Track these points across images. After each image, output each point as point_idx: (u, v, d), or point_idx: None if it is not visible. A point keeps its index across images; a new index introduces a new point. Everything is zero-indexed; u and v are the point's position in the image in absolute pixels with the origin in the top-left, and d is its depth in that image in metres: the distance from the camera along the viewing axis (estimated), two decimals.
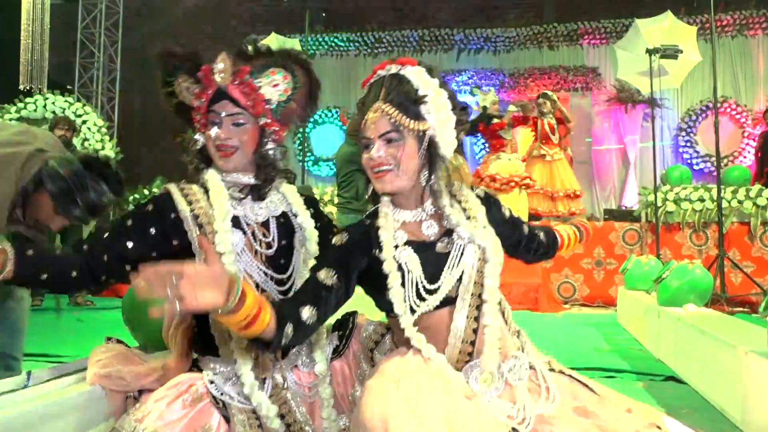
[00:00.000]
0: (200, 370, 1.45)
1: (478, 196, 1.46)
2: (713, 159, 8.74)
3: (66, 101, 6.91)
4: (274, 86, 1.46)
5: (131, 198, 7.51)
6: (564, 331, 4.54)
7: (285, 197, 1.54)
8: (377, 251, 1.31)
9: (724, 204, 6.09)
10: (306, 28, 7.65)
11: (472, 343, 1.30)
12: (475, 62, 10.15)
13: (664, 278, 3.64)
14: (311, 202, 1.60)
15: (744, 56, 9.41)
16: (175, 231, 1.39)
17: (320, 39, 10.29)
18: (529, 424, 1.23)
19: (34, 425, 1.34)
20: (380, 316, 1.47)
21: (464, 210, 1.39)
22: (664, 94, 8.44)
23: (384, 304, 1.32)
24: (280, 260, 1.47)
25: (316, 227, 1.54)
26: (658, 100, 8.07)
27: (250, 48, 1.48)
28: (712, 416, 2.41)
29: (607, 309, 6.02)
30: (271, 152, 1.47)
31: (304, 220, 1.51)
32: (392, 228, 1.33)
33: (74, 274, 1.33)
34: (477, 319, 1.31)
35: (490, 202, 1.48)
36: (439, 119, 1.32)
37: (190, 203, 1.41)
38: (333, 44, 10.40)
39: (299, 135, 9.15)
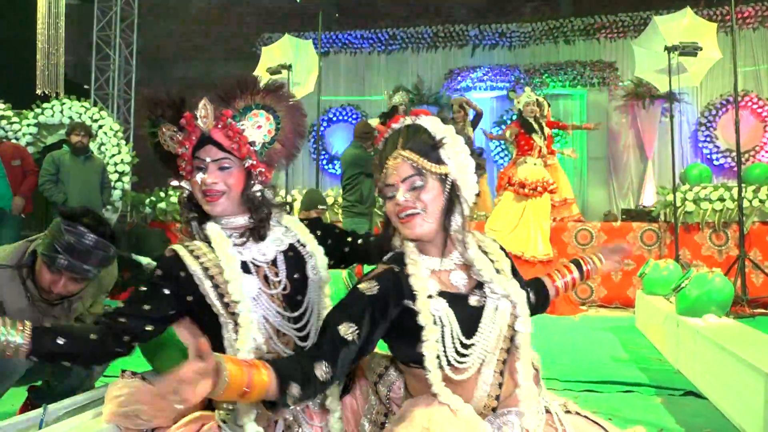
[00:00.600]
0: (213, 408, 1.45)
1: (499, 247, 1.46)
2: (734, 154, 8.58)
3: (83, 106, 6.95)
4: (258, 128, 1.47)
5: (147, 201, 7.58)
6: (581, 337, 4.49)
7: (289, 229, 1.54)
8: (410, 301, 1.27)
9: (745, 203, 5.98)
10: (319, 25, 7.60)
11: (497, 397, 1.31)
12: (490, 58, 10.03)
13: (684, 287, 3.58)
14: (315, 225, 1.60)
15: (766, 49, 9.20)
16: (187, 288, 1.40)
17: (333, 36, 10.24)
18: None
19: None
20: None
21: (492, 262, 1.38)
22: (683, 89, 8.28)
23: (409, 355, 1.29)
24: (296, 297, 1.47)
25: (328, 244, 1.56)
26: (677, 95, 7.93)
27: (231, 88, 1.49)
28: None
29: (625, 311, 5.95)
30: (258, 193, 1.47)
31: (313, 248, 1.52)
32: (424, 276, 1.30)
33: (93, 336, 1.34)
34: (502, 373, 1.32)
35: (507, 255, 1.47)
36: (458, 163, 1.33)
37: (197, 258, 1.42)
38: (346, 41, 10.35)
39: (314, 133, 9.13)
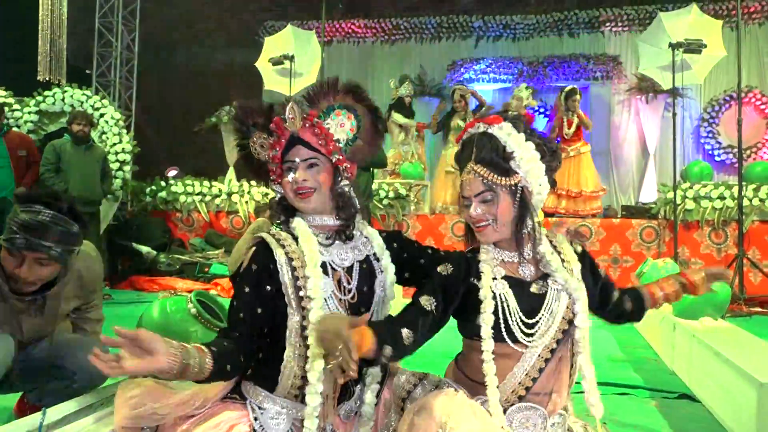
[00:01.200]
0: (241, 396, 1.48)
1: (575, 252, 1.53)
2: (735, 150, 8.57)
3: (84, 94, 6.94)
4: (341, 126, 1.55)
5: (148, 190, 7.59)
6: None
7: (369, 241, 1.59)
8: (475, 279, 1.43)
9: (745, 202, 5.99)
10: (322, 14, 7.57)
11: (527, 389, 1.39)
12: (494, 50, 9.99)
13: None
14: (393, 238, 1.64)
15: None
16: (272, 278, 1.45)
17: (337, 25, 10.19)
18: None
19: None
20: (415, 365, 1.55)
21: (562, 260, 1.48)
22: (686, 86, 8.25)
23: (471, 328, 1.42)
24: (360, 308, 1.51)
25: (404, 257, 1.61)
26: (680, 90, 7.91)
27: (315, 90, 1.58)
28: None
29: None
30: (346, 188, 1.53)
31: (387, 264, 1.56)
32: (492, 262, 1.45)
33: (242, 359, 1.42)
34: (545, 364, 1.40)
35: (585, 259, 1.54)
36: (528, 170, 1.43)
37: (283, 246, 1.47)
38: (350, 31, 10.30)
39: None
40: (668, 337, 3.66)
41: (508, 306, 1.39)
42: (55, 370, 2.10)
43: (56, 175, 5.74)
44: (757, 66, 9.10)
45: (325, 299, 1.44)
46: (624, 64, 9.39)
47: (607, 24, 9.61)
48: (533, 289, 1.44)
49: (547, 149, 1.46)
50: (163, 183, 7.59)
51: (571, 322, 1.42)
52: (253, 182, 7.51)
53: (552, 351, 1.40)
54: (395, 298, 1.58)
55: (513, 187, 1.42)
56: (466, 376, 1.47)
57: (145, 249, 6.94)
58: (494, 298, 1.40)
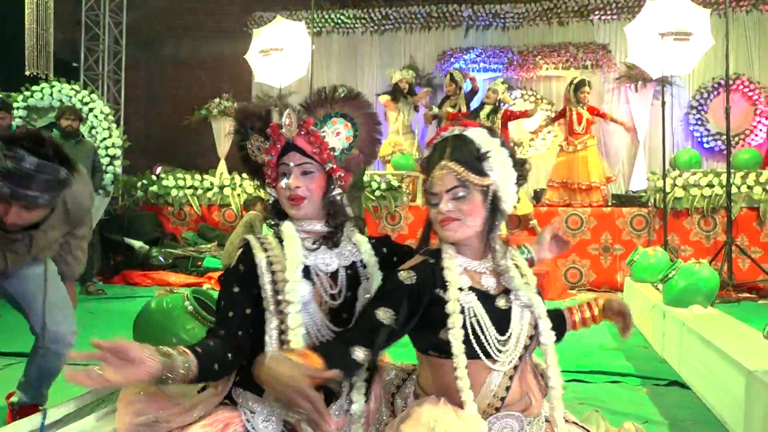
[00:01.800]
0: (233, 402, 1.48)
1: (528, 265, 1.52)
2: (724, 137, 8.63)
3: (72, 89, 6.89)
4: (337, 134, 1.55)
5: (139, 184, 7.56)
6: None
7: (357, 247, 1.59)
8: (441, 290, 1.36)
9: (734, 189, 6.05)
10: (312, 4, 7.53)
11: (502, 399, 1.37)
12: (483, 39, 9.95)
13: (671, 277, 3.66)
14: (383, 243, 1.63)
15: (759, 32, 9.17)
16: (256, 282, 1.45)
17: (326, 16, 10.13)
18: None
19: None
20: (402, 356, 1.53)
21: (522, 275, 1.45)
22: (675, 74, 8.29)
23: (431, 342, 1.37)
24: (342, 314, 1.51)
25: (393, 262, 1.58)
26: (669, 78, 7.94)
27: (314, 97, 1.57)
28: (715, 429, 2.45)
29: (613, 295, 6.04)
30: (338, 197, 1.54)
31: (373, 271, 1.56)
32: (457, 270, 1.39)
33: (230, 357, 1.40)
34: (512, 377, 1.38)
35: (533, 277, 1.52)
36: (501, 175, 1.39)
37: (265, 250, 1.47)
38: (339, 21, 10.23)
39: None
40: (658, 324, 3.72)
41: (477, 320, 1.35)
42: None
43: None
44: (745, 53, 9.13)
45: (305, 304, 1.44)
46: (613, 53, 9.40)
47: (596, 12, 9.61)
48: (499, 303, 1.40)
49: (518, 160, 1.44)
50: (154, 177, 7.57)
51: (531, 338, 1.41)
52: (244, 174, 7.49)
53: (515, 367, 1.39)
54: None
55: (485, 189, 1.38)
56: (428, 394, 1.42)
57: (137, 243, 6.92)
58: (462, 311, 1.35)
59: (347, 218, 1.57)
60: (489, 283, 1.42)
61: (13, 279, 2.24)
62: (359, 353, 1.26)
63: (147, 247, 6.97)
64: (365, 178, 6.41)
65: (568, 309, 1.66)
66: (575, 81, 7.44)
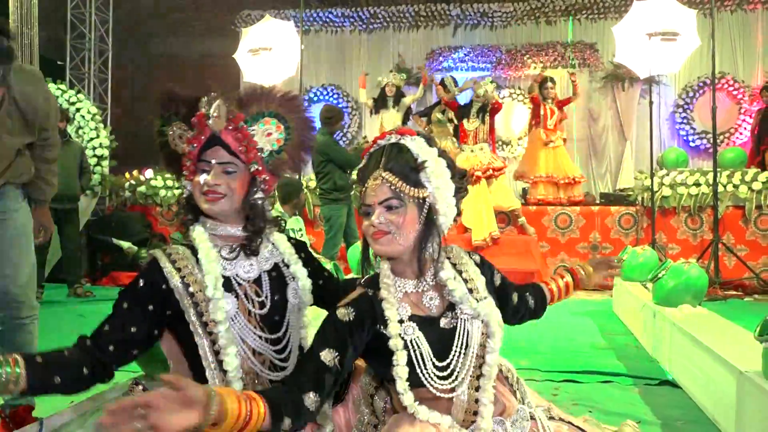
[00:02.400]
0: None
1: (475, 263, 1.47)
2: (709, 136, 8.73)
3: (59, 89, 6.81)
4: (267, 135, 1.47)
5: (127, 185, 7.49)
6: (560, 322, 4.60)
7: (276, 247, 1.53)
8: (381, 326, 1.31)
9: (720, 188, 6.12)
10: (301, 3, 7.49)
11: (475, 413, 1.35)
12: (471, 38, 10.00)
13: (660, 277, 3.69)
14: (300, 248, 1.58)
15: (743, 31, 9.30)
16: (168, 301, 1.38)
17: (314, 14, 10.10)
18: None
19: None
20: None
21: (465, 281, 1.40)
22: (661, 73, 8.37)
23: (385, 374, 1.34)
24: (274, 317, 1.46)
25: (309, 271, 1.54)
26: (656, 77, 8.03)
27: (248, 92, 1.50)
28: (706, 429, 2.47)
29: (602, 293, 6.09)
30: (259, 201, 1.46)
31: (297, 269, 1.51)
32: (395, 301, 1.33)
33: (86, 371, 1.30)
34: (478, 389, 1.35)
35: (485, 269, 1.48)
36: (438, 187, 1.34)
37: (179, 270, 1.39)
38: (328, 20, 10.22)
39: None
40: (649, 324, 3.76)
41: (421, 353, 1.30)
42: None
43: None
44: (730, 52, 9.24)
45: (232, 318, 1.38)
46: (600, 52, 9.48)
47: (584, 11, 9.67)
48: (443, 324, 1.35)
49: (457, 171, 1.39)
50: (142, 177, 7.50)
51: (485, 346, 1.37)
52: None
53: (479, 377, 1.36)
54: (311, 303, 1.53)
55: (421, 201, 1.32)
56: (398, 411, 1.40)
57: (125, 244, 6.86)
58: (405, 346, 1.29)
59: (267, 224, 1.49)
60: (431, 303, 1.37)
61: None
62: (309, 401, 1.20)
63: (136, 247, 6.91)
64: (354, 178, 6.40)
65: (544, 281, 1.70)
66: (539, 80, 7.55)
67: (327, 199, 5.61)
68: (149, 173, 7.77)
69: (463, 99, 7.50)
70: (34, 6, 7.21)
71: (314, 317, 1.52)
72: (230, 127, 1.41)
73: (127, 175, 7.49)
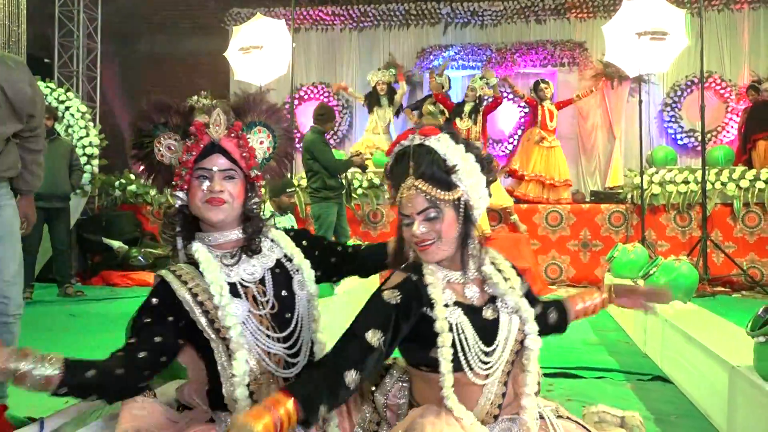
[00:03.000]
0: (213, 421, 1.48)
1: (510, 265, 1.50)
2: (697, 134, 8.82)
3: (48, 87, 6.75)
4: (260, 143, 1.53)
5: (117, 183, 7.45)
6: None
7: (276, 243, 1.55)
8: (428, 309, 1.34)
9: (708, 186, 6.19)
10: (292, 1, 7.48)
11: (500, 406, 1.39)
12: (462, 37, 10.01)
13: (652, 274, 3.74)
14: (301, 236, 1.61)
15: (730, 31, 9.39)
16: (181, 314, 1.40)
17: (305, 12, 10.07)
18: None
19: None
20: None
21: (505, 279, 1.43)
22: (650, 72, 8.44)
23: (422, 358, 1.36)
24: (284, 315, 1.48)
25: (315, 255, 1.57)
26: (644, 76, 8.10)
27: (243, 102, 1.53)
28: (699, 423, 2.51)
29: None
30: (255, 207, 1.50)
31: (300, 261, 1.53)
32: (441, 286, 1.36)
33: (119, 372, 1.31)
34: (506, 383, 1.40)
35: (519, 275, 1.50)
36: (470, 184, 1.37)
37: (185, 283, 1.41)
38: (318, 18, 10.19)
39: (288, 112, 9.06)
40: (640, 320, 3.80)
41: (465, 337, 1.33)
42: None
43: None
44: (717, 51, 9.33)
45: (243, 322, 1.41)
46: (590, 51, 9.53)
47: (573, 10, 9.72)
48: (486, 314, 1.39)
49: (485, 161, 1.41)
50: (132, 176, 7.46)
51: (522, 342, 1.41)
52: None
53: (509, 373, 1.40)
54: (320, 292, 1.55)
55: (457, 202, 1.35)
56: (418, 404, 1.42)
57: (116, 243, 6.83)
58: (451, 329, 1.32)
59: (263, 226, 1.52)
60: (473, 294, 1.40)
61: None
62: (350, 378, 1.22)
63: (126, 247, 6.89)
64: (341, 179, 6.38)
65: (570, 298, 1.69)
66: (534, 82, 7.71)
67: (317, 197, 5.60)
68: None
69: (455, 97, 7.55)
70: (21, 3, 7.14)
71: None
72: (231, 135, 1.45)
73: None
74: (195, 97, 8.56)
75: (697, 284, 3.71)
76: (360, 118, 9.85)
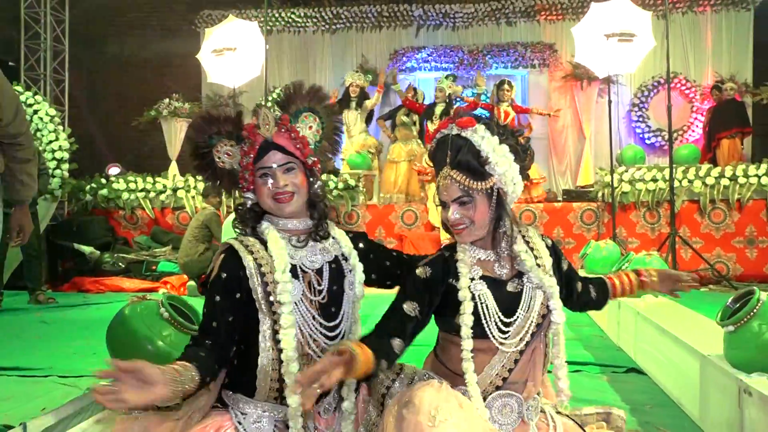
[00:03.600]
0: (224, 404, 1.50)
1: (546, 246, 1.58)
2: (664, 133, 9.05)
3: (15, 90, 6.60)
4: (309, 128, 1.60)
5: (87, 188, 7.33)
6: None
7: (337, 241, 1.61)
8: (454, 280, 1.47)
9: (675, 184, 6.35)
10: (265, 3, 7.46)
11: (504, 379, 1.46)
12: (434, 39, 10.10)
13: (624, 269, 3.83)
14: (360, 239, 1.67)
15: (693, 32, 9.66)
16: (242, 286, 1.46)
17: (277, 15, 10.04)
18: None
19: None
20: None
21: (535, 257, 1.52)
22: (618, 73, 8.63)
23: (450, 324, 1.48)
24: (331, 308, 1.54)
25: (370, 258, 1.64)
26: (613, 77, 8.28)
27: (286, 95, 1.60)
28: (672, 412, 2.59)
29: None
30: (319, 190, 1.58)
31: (355, 263, 1.59)
32: (470, 262, 1.49)
33: (216, 366, 1.45)
34: (517, 361, 1.47)
35: (556, 253, 1.60)
36: (503, 173, 1.46)
37: (251, 252, 1.48)
38: (290, 20, 10.17)
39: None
40: (613, 314, 3.89)
41: (486, 306, 1.45)
42: None
43: None
44: (681, 53, 9.58)
45: (296, 303, 1.47)
46: (560, 52, 9.70)
47: (542, 13, 9.89)
48: (510, 288, 1.49)
49: (521, 149, 1.50)
50: (103, 180, 7.35)
51: (545, 317, 1.49)
52: (198, 177, 7.37)
53: (527, 344, 1.47)
54: (364, 296, 1.62)
55: (489, 190, 1.46)
56: (447, 367, 1.52)
57: (87, 249, 6.71)
58: (473, 298, 1.45)
59: (328, 208, 1.60)
60: (502, 270, 1.51)
61: None
62: (397, 343, 1.39)
63: (98, 252, 6.77)
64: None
65: (608, 277, 1.79)
66: (497, 82, 7.83)
67: None
68: (114, 170, 7.63)
69: (429, 98, 7.64)
70: None
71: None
72: (282, 130, 1.52)
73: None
74: (167, 100, 8.49)
75: None
76: None
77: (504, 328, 1.45)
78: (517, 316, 1.47)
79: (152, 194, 7.40)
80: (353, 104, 8.23)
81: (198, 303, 1.82)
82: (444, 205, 1.49)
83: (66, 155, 6.72)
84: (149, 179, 7.49)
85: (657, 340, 2.98)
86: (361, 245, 1.64)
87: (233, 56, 6.61)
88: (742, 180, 6.51)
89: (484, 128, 1.46)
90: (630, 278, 1.79)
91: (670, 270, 1.85)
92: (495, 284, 1.48)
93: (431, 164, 1.58)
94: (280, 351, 1.43)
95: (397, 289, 1.57)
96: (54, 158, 6.58)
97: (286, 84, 1.66)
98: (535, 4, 9.81)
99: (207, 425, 1.44)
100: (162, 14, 10.55)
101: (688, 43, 9.67)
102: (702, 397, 2.39)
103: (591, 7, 6.51)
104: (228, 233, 4.63)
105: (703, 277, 6.19)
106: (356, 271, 1.58)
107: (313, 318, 1.50)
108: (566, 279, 1.63)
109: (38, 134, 6.56)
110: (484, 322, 1.44)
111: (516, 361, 1.46)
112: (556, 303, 1.49)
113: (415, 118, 8.00)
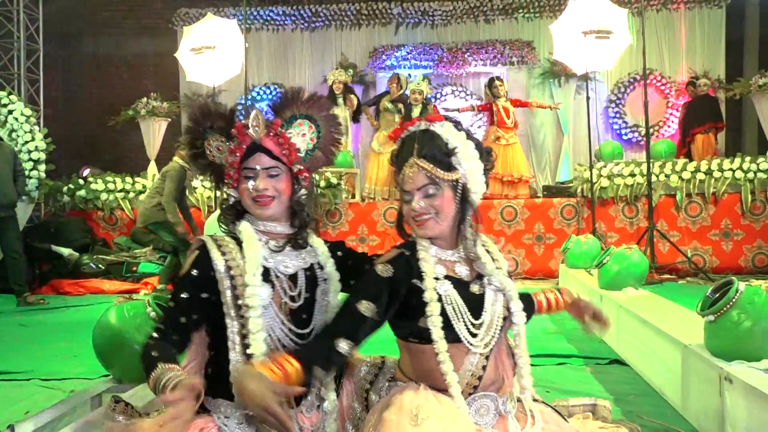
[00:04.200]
0: (206, 411, 1.48)
1: (498, 250, 1.59)
2: (640, 129, 9.20)
3: None
4: (302, 136, 1.59)
5: (65, 189, 7.21)
6: None
7: (314, 249, 1.60)
8: (417, 280, 1.42)
9: (652, 178, 6.46)
10: (243, 1, 7.40)
11: (480, 378, 1.46)
12: (413, 36, 10.12)
13: (605, 263, 3.89)
14: (338, 247, 1.67)
15: (668, 29, 9.81)
16: (210, 287, 1.45)
17: (255, 12, 9.98)
18: None
19: None
20: (372, 349, 1.57)
21: (493, 260, 1.52)
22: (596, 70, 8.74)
23: (410, 329, 1.44)
24: (302, 315, 1.52)
25: (348, 265, 1.63)
26: (590, 74, 8.38)
27: (281, 99, 1.61)
28: (655, 401, 2.65)
29: (548, 282, 6.34)
30: (303, 198, 1.57)
31: (330, 272, 1.59)
32: (432, 261, 1.45)
33: (174, 352, 1.43)
34: (488, 358, 1.46)
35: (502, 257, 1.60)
36: (469, 168, 1.47)
37: (223, 254, 1.47)
38: (269, 18, 10.11)
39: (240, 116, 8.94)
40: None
41: (454, 308, 1.42)
42: None
43: None
44: (656, 49, 9.72)
45: (265, 307, 1.45)
46: (538, 50, 9.79)
47: (521, 10, 9.96)
48: (473, 289, 1.48)
49: (484, 150, 1.51)
50: (81, 181, 7.24)
51: (505, 319, 1.50)
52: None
53: (491, 349, 1.47)
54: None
55: (455, 183, 1.45)
56: (414, 379, 1.48)
57: (66, 251, 6.61)
58: (439, 299, 1.41)
59: (310, 217, 1.59)
60: (462, 271, 1.49)
61: None
62: (344, 345, 1.34)
63: (77, 254, 6.67)
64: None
65: (535, 293, 1.77)
66: (488, 80, 7.83)
67: None
68: (87, 172, 7.51)
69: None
70: None
71: None
72: (270, 134, 1.51)
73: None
74: (144, 99, 8.39)
75: (647, 271, 3.89)
76: None
77: (474, 330, 1.43)
78: (484, 318, 1.46)
79: (131, 195, 7.32)
80: (339, 100, 8.21)
81: None
82: (407, 197, 1.46)
83: (42, 156, 6.61)
84: (128, 179, 7.40)
85: (639, 332, 3.04)
86: (339, 253, 1.64)
87: (213, 54, 6.55)
88: (717, 174, 6.64)
89: (452, 125, 1.49)
90: (556, 296, 1.78)
91: (584, 301, 1.80)
92: (460, 285, 1.46)
93: (393, 165, 1.53)
94: (249, 356, 1.42)
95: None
96: (30, 159, 6.47)
97: (285, 89, 1.67)
98: (513, 2, 9.88)
99: (189, 428, 1.43)
100: (138, 12, 10.42)
101: (663, 39, 9.82)
102: (684, 386, 2.44)
103: (568, 4, 6.58)
104: (211, 228, 4.61)
105: (681, 269, 6.31)
106: (332, 280, 1.58)
107: (282, 323, 1.49)
108: None
109: (13, 135, 6.45)
110: (454, 323, 1.41)
111: (484, 367, 1.46)
112: (516, 305, 1.50)
113: (400, 105, 7.98)
